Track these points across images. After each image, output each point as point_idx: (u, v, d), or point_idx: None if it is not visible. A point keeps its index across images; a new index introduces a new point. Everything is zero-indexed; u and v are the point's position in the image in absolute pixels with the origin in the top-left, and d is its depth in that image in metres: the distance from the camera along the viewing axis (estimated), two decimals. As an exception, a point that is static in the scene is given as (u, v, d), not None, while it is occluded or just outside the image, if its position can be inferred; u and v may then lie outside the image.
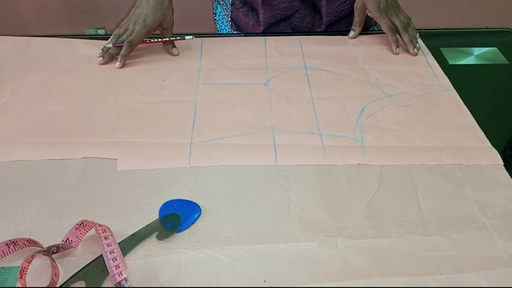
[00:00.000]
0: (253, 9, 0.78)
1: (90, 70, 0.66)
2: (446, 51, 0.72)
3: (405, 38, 0.71)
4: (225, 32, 0.84)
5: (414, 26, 0.72)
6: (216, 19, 0.87)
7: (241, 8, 0.78)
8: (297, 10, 0.76)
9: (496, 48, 0.73)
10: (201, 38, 0.73)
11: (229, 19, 0.82)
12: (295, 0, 0.75)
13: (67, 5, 1.64)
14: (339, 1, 0.76)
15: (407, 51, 0.71)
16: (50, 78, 0.64)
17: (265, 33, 0.78)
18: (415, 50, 0.70)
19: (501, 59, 0.71)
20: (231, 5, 0.79)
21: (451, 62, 0.70)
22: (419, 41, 0.73)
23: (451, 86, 0.64)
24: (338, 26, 0.79)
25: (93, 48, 0.69)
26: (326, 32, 0.78)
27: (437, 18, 1.67)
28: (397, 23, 0.71)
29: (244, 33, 0.80)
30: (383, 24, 0.71)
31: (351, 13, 0.77)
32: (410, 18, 0.72)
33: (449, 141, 0.55)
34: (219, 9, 0.85)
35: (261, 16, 0.77)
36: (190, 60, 0.68)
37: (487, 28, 0.81)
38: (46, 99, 0.60)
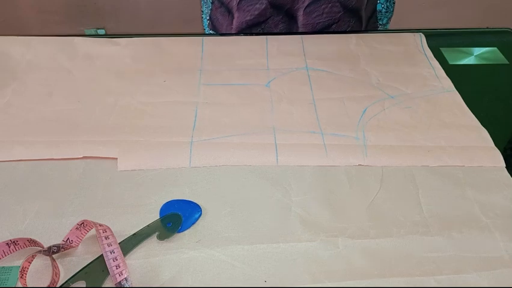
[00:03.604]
0: (229, 11, 0.78)
1: (91, 70, 0.66)
2: (446, 51, 0.72)
3: None
4: (206, 31, 0.84)
5: None
6: (202, 17, 0.87)
7: (220, 7, 0.79)
8: (270, 17, 0.76)
9: (496, 48, 0.73)
10: (201, 38, 0.73)
11: (208, 17, 0.82)
12: (267, 8, 0.74)
13: (67, 5, 1.64)
14: (316, 13, 0.75)
15: (409, 51, 0.71)
16: (50, 77, 0.64)
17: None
18: None
19: (501, 59, 0.71)
20: (211, 3, 0.79)
21: (451, 62, 0.70)
22: (423, 42, 0.73)
23: (453, 87, 0.64)
24: None
25: (94, 48, 0.69)
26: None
27: (437, 18, 1.67)
28: None
29: (219, 34, 0.80)
30: None
31: (327, 27, 0.76)
32: None
33: (452, 141, 0.54)
34: (204, 7, 0.85)
35: (235, 19, 0.77)
36: (192, 61, 0.68)
37: (487, 28, 0.80)
38: (47, 99, 0.60)
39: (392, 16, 0.86)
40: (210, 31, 0.83)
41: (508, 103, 0.64)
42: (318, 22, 0.76)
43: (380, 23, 0.86)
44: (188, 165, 0.51)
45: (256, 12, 0.75)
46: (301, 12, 0.74)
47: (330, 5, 0.74)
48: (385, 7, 0.84)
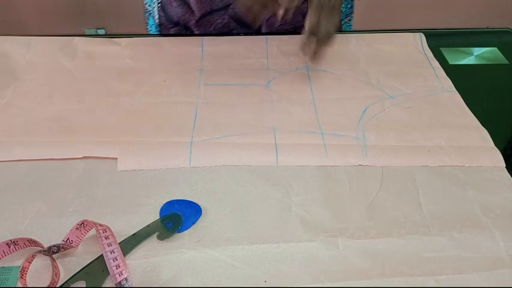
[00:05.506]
0: (186, 28, 0.77)
1: (91, 70, 0.66)
2: (446, 51, 0.72)
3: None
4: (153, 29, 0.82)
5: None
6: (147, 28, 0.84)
7: (173, 28, 0.77)
8: (233, 29, 0.75)
9: (496, 48, 0.73)
10: (202, 38, 0.73)
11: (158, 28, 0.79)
12: (230, 21, 0.73)
13: (67, 5, 1.64)
14: (278, 23, 0.74)
15: (409, 51, 0.71)
16: (50, 77, 0.64)
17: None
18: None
19: (501, 59, 0.71)
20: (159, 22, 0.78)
21: (451, 62, 0.70)
22: (424, 42, 0.73)
23: (453, 87, 0.64)
24: None
25: (94, 47, 0.69)
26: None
27: (437, 18, 1.67)
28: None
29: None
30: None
31: (293, 29, 0.75)
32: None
33: (452, 141, 0.54)
34: (150, 20, 0.82)
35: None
36: (192, 61, 0.68)
37: (487, 28, 0.81)
38: (47, 99, 0.60)
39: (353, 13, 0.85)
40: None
41: (508, 103, 0.64)
42: (282, 29, 0.76)
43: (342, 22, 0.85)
44: (188, 165, 0.51)
45: (220, 26, 0.74)
46: (264, 24, 0.74)
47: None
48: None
